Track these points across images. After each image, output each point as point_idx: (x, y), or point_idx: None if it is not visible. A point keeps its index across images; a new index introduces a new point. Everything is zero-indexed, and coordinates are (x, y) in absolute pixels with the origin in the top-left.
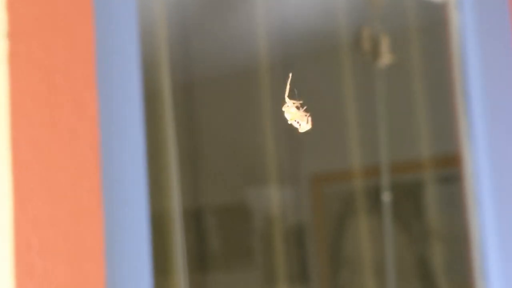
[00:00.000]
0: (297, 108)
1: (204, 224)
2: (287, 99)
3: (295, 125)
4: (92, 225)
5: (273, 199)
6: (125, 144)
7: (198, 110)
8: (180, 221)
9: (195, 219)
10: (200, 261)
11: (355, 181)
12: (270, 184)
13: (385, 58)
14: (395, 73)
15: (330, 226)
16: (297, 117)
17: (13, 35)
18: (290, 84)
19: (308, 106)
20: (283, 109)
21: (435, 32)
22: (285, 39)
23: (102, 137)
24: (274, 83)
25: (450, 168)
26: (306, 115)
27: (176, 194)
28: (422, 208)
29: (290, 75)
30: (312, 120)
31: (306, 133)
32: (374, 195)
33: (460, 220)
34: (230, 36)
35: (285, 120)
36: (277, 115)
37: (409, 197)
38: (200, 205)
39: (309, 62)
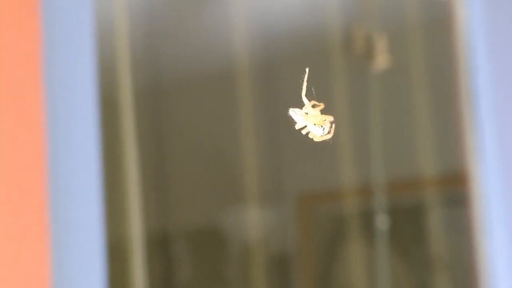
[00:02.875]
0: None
1: (171, 252)
2: (305, 99)
3: (316, 132)
4: (36, 255)
5: (253, 222)
6: (77, 158)
7: (165, 119)
8: (142, 249)
9: (160, 246)
10: None
11: (347, 202)
12: (250, 204)
13: (381, 61)
14: (392, 78)
15: (318, 253)
16: (321, 122)
17: None
18: (306, 81)
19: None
20: (290, 112)
21: (438, 31)
22: (265, 38)
23: (49, 149)
24: (254, 88)
25: (455, 188)
26: (327, 120)
27: (137, 216)
28: (423, 234)
29: (307, 70)
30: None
31: (291, 147)
32: (368, 218)
33: (466, 247)
34: (204, 34)
35: (269, 131)
36: (258, 124)
37: (408, 221)
38: (166, 230)
39: (293, 65)
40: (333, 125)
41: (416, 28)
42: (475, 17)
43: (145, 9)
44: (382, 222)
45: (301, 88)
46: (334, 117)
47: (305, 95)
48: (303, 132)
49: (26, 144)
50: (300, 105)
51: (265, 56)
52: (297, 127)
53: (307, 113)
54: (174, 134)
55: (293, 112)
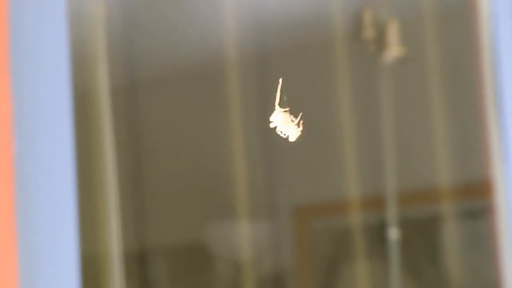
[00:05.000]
0: (285, 113)
1: (151, 270)
2: (277, 106)
3: (282, 135)
4: (1, 274)
5: (243, 238)
6: (48, 164)
7: (146, 121)
8: (120, 267)
9: (139, 263)
10: None
11: (351, 215)
12: (239, 218)
13: (393, 51)
14: (405, 71)
15: (318, 272)
16: (284, 124)
17: None
18: (280, 89)
19: (292, 115)
20: (271, 118)
21: (457, 18)
22: (259, 26)
23: (16, 153)
24: (244, 85)
25: (476, 199)
26: (293, 120)
27: (114, 231)
28: (439, 249)
29: (280, 81)
30: (297, 132)
31: (286, 153)
32: (376, 232)
33: (488, 264)
34: (187, 24)
35: (260, 136)
36: (248, 127)
37: (421, 235)
38: (146, 246)
39: (291, 58)
40: (300, 122)
41: (432, 14)
42: (500, 2)
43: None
44: (391, 237)
45: (299, 84)
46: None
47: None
48: (280, 134)
49: None
50: (296, 105)
51: (258, 48)
52: (277, 131)
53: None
54: (154, 138)
55: (273, 119)
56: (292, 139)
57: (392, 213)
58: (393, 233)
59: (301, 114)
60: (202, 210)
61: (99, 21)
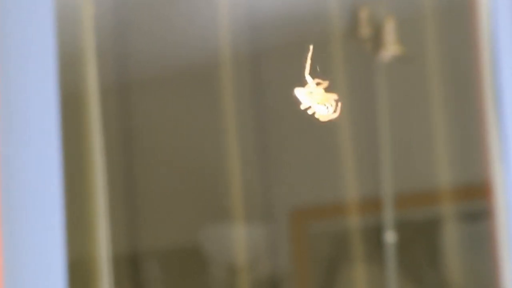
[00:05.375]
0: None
1: (143, 275)
2: (309, 77)
3: (320, 111)
4: None
5: (238, 241)
6: (35, 166)
7: (137, 122)
8: (109, 272)
9: (131, 268)
10: None
11: (349, 218)
12: (235, 221)
13: (390, 50)
14: (403, 70)
15: (315, 276)
16: (325, 100)
17: None
18: (311, 59)
19: (287, 115)
20: (296, 92)
21: (457, 16)
22: (253, 24)
23: (2, 154)
24: (239, 84)
25: (476, 201)
26: (332, 98)
27: (104, 235)
28: (438, 252)
29: (311, 47)
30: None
31: (282, 153)
32: (374, 235)
33: (488, 267)
34: (180, 21)
35: (255, 136)
36: (243, 127)
37: (420, 238)
38: (138, 250)
39: (285, 56)
40: (339, 104)
41: (431, 11)
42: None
43: None
44: (389, 239)
45: (297, 84)
46: (338, 96)
47: (309, 73)
48: (309, 112)
49: None
50: (291, 105)
51: (252, 46)
52: (302, 107)
53: (311, 92)
54: (146, 138)
55: (298, 92)
56: (323, 118)
57: (390, 215)
58: (391, 236)
59: (338, 101)
60: (196, 212)
61: (88, 19)
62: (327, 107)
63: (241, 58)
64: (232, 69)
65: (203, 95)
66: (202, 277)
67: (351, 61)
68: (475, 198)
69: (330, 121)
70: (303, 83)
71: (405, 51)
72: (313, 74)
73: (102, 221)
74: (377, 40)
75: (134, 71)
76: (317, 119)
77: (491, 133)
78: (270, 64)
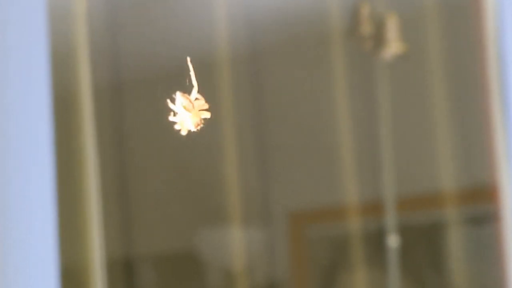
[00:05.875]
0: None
1: (138, 281)
2: (194, 92)
3: (188, 124)
4: None
5: (235, 246)
6: (26, 169)
7: (131, 123)
8: (103, 278)
9: (125, 273)
10: None
11: (349, 222)
12: (231, 224)
13: (392, 48)
14: (406, 68)
15: (314, 282)
16: (197, 116)
17: None
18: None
19: (286, 115)
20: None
21: (461, 13)
22: (250, 22)
23: None
24: (235, 83)
25: (481, 205)
26: (204, 116)
27: (97, 240)
28: (442, 257)
29: (188, 59)
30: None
31: (280, 155)
32: (375, 240)
33: (494, 272)
34: (177, 20)
35: (253, 137)
36: (240, 128)
37: (423, 243)
38: (132, 255)
39: (284, 55)
40: (204, 115)
41: (434, 7)
42: None
43: None
44: (391, 244)
45: (296, 84)
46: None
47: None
48: (173, 119)
49: None
50: (290, 104)
51: (250, 45)
52: (171, 115)
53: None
54: (140, 140)
55: (179, 98)
56: (184, 132)
57: (392, 219)
58: (393, 241)
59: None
60: (191, 215)
61: (80, 16)
62: (197, 125)
63: (238, 57)
64: (229, 67)
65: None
66: (198, 282)
67: (351, 60)
68: (481, 201)
69: (330, 122)
70: (303, 83)
71: (407, 49)
72: (308, 80)
73: (95, 225)
74: (378, 37)
75: (128, 71)
76: (317, 122)
77: (497, 134)
78: (269, 64)
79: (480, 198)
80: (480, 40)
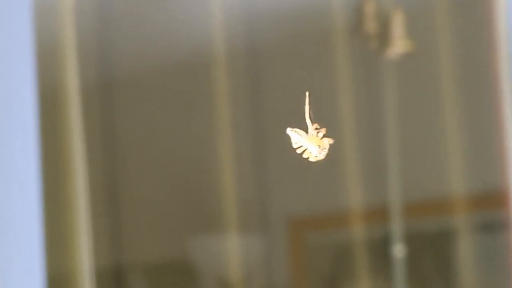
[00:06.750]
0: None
1: None
2: (308, 121)
3: (313, 152)
4: None
5: (232, 254)
6: (11, 172)
7: (121, 124)
8: (91, 287)
9: (115, 283)
10: None
11: (352, 229)
12: (228, 232)
13: (398, 46)
14: (412, 67)
15: None
16: (320, 142)
17: None
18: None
19: (286, 116)
20: (288, 132)
21: (471, 8)
22: (249, 18)
23: None
24: (233, 83)
25: (492, 211)
26: (328, 142)
27: (85, 248)
28: (451, 267)
29: (307, 94)
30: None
31: (280, 159)
32: (380, 248)
33: (505, 282)
34: (171, 16)
35: (251, 140)
36: (237, 130)
37: (430, 252)
38: (123, 264)
39: (284, 53)
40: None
41: (442, 3)
42: None
43: None
44: (397, 253)
45: (297, 84)
46: (335, 139)
47: (309, 117)
48: (298, 151)
49: None
50: (290, 106)
51: (247, 42)
52: (294, 145)
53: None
54: (130, 143)
55: (292, 132)
56: (312, 159)
57: (397, 226)
58: (399, 249)
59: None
60: (186, 222)
61: (68, 12)
62: (321, 150)
63: (236, 55)
64: (226, 66)
65: (194, 96)
66: None
67: (356, 59)
68: (491, 207)
69: (333, 123)
70: (303, 83)
71: (414, 47)
72: (311, 80)
73: (83, 231)
74: (384, 35)
75: (118, 69)
76: (319, 123)
77: (509, 137)
78: (267, 62)
79: (491, 204)
80: (491, 36)
